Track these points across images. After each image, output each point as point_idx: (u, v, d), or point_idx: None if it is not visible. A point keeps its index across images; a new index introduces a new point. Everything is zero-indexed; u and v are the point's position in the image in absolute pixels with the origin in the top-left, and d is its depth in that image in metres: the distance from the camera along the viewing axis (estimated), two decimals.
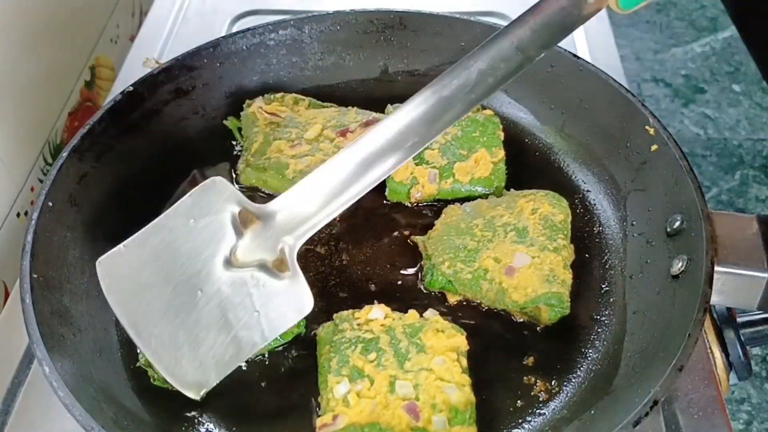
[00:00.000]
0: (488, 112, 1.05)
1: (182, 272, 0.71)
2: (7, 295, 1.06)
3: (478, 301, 0.88)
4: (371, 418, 0.73)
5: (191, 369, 0.72)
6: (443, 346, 0.78)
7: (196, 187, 0.72)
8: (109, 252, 0.72)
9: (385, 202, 1.00)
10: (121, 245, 0.72)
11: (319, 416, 0.76)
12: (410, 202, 0.99)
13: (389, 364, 0.77)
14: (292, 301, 0.74)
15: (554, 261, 0.86)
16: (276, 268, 0.73)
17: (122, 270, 0.72)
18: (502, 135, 1.02)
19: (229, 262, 0.73)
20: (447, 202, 0.98)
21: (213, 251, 0.72)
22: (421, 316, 0.83)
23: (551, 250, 0.87)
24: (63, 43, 1.25)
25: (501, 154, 1.00)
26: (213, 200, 0.72)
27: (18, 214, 1.11)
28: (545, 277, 0.84)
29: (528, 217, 0.91)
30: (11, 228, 1.08)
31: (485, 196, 0.98)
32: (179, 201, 0.73)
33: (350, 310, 0.84)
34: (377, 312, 0.82)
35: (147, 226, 0.73)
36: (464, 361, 0.79)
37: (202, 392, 0.75)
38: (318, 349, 0.82)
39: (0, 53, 1.07)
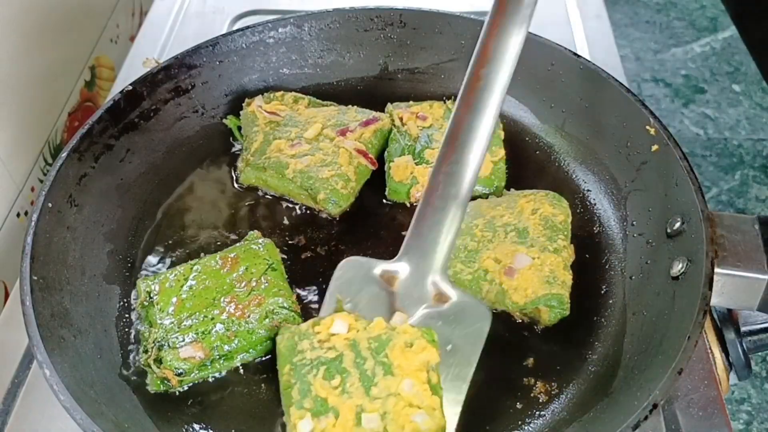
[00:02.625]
0: None
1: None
2: (7, 295, 1.06)
3: None
4: None
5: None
6: (412, 366, 0.73)
7: (335, 274, 0.79)
8: None
9: (385, 201, 1.00)
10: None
11: None
12: (410, 202, 0.99)
13: (354, 390, 0.72)
14: (471, 318, 0.78)
15: (554, 262, 0.86)
16: (438, 301, 0.79)
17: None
18: (502, 134, 1.02)
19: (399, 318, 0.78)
20: None
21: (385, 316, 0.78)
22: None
23: (551, 251, 0.87)
24: (63, 43, 1.25)
25: (501, 153, 1.00)
26: (354, 278, 0.79)
27: (18, 214, 1.11)
28: (545, 278, 0.84)
29: (528, 218, 0.90)
30: (11, 228, 1.08)
31: (485, 196, 0.98)
32: (329, 292, 0.80)
33: (310, 321, 0.79)
34: (339, 326, 0.77)
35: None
36: (435, 377, 0.74)
37: None
38: (278, 362, 0.77)
39: (0, 53, 1.07)
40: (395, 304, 0.79)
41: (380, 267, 0.78)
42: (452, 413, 0.74)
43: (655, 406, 0.67)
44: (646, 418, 0.66)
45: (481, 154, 0.79)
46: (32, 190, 1.15)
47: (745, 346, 0.88)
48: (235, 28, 1.35)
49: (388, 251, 0.94)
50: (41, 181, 1.16)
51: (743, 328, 0.88)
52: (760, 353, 0.93)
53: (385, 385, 0.72)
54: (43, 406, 0.84)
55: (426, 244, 0.78)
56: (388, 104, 1.07)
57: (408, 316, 0.79)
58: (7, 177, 1.09)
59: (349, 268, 0.79)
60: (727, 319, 0.89)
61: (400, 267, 0.79)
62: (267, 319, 0.83)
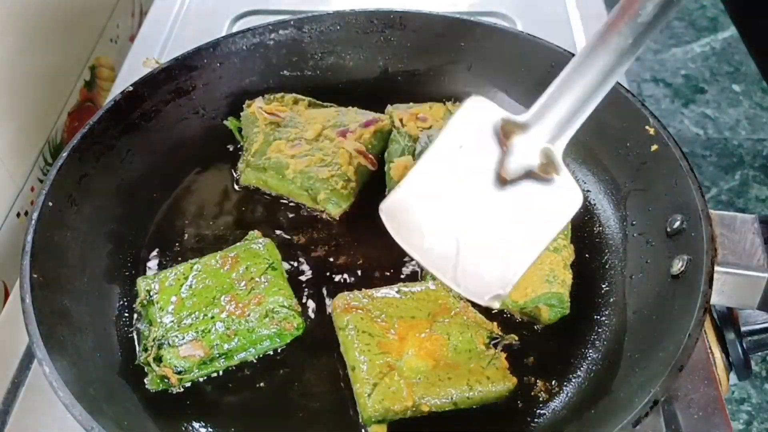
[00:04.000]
0: None
1: (458, 198, 0.73)
2: (7, 295, 1.06)
3: None
4: None
5: (477, 281, 0.73)
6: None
7: (456, 113, 0.73)
8: (388, 199, 0.73)
9: None
10: (397, 191, 0.73)
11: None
12: None
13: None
14: (563, 199, 0.73)
15: (554, 261, 0.86)
16: (543, 171, 0.73)
17: (403, 210, 0.73)
18: None
19: (499, 179, 0.73)
20: None
21: (484, 171, 0.74)
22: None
23: (551, 250, 0.87)
24: (63, 43, 1.25)
25: None
26: (475, 122, 0.73)
27: (18, 214, 1.11)
28: (545, 276, 0.84)
29: None
30: (11, 228, 1.09)
31: None
32: (443, 132, 0.73)
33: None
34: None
35: (417, 165, 0.73)
36: None
37: (497, 303, 0.73)
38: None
39: (0, 53, 1.07)
40: (501, 158, 0.73)
41: (504, 117, 0.72)
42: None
43: (655, 402, 0.67)
44: (646, 414, 0.66)
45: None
46: (32, 190, 1.15)
47: (745, 346, 0.88)
48: (235, 28, 1.36)
49: (389, 252, 0.94)
50: (41, 181, 1.16)
51: (743, 328, 0.88)
52: (760, 353, 0.92)
53: None
54: (43, 406, 0.84)
55: (557, 107, 0.71)
56: (388, 105, 1.07)
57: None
58: (7, 177, 1.09)
59: (472, 110, 0.73)
60: (728, 319, 0.89)
61: (524, 122, 0.72)
62: (267, 318, 0.83)
